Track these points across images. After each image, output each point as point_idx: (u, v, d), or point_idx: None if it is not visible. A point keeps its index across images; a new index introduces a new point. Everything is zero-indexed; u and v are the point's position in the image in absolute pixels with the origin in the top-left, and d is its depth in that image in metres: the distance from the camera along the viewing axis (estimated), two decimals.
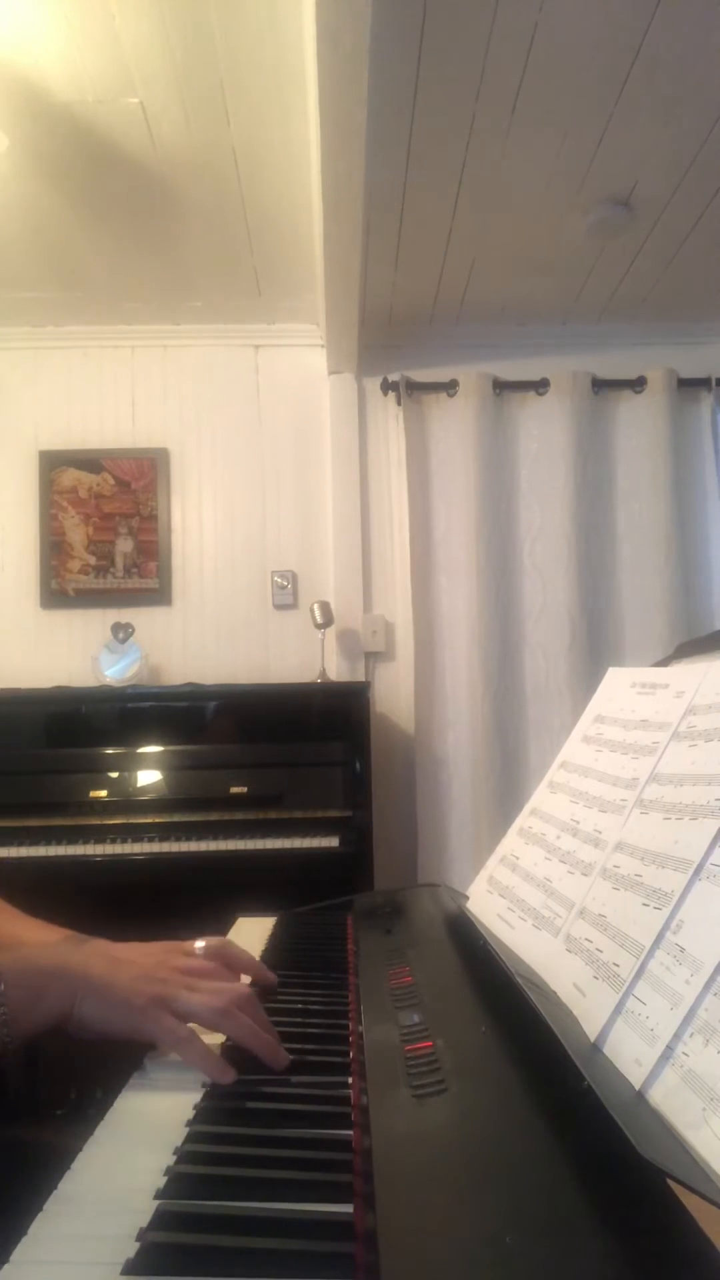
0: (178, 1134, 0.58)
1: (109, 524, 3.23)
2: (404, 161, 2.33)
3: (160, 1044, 0.69)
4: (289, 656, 3.18)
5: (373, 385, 3.29)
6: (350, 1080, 0.65)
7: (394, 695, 3.21)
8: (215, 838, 2.51)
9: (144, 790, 2.67)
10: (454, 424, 3.25)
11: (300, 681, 3.07)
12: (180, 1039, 0.67)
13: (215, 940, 0.85)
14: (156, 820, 2.59)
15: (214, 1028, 0.69)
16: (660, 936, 0.60)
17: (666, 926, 0.60)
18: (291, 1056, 0.69)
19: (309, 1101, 0.63)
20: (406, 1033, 0.71)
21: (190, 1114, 0.61)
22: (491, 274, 2.93)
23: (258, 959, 0.90)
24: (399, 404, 3.23)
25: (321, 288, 2.73)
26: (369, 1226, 0.46)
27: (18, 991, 0.68)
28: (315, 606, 3.03)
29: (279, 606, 3.23)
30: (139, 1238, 0.46)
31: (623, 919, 0.66)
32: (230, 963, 0.83)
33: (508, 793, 3.05)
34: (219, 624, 3.22)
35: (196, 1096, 0.64)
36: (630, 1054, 0.56)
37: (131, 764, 2.69)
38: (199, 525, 3.26)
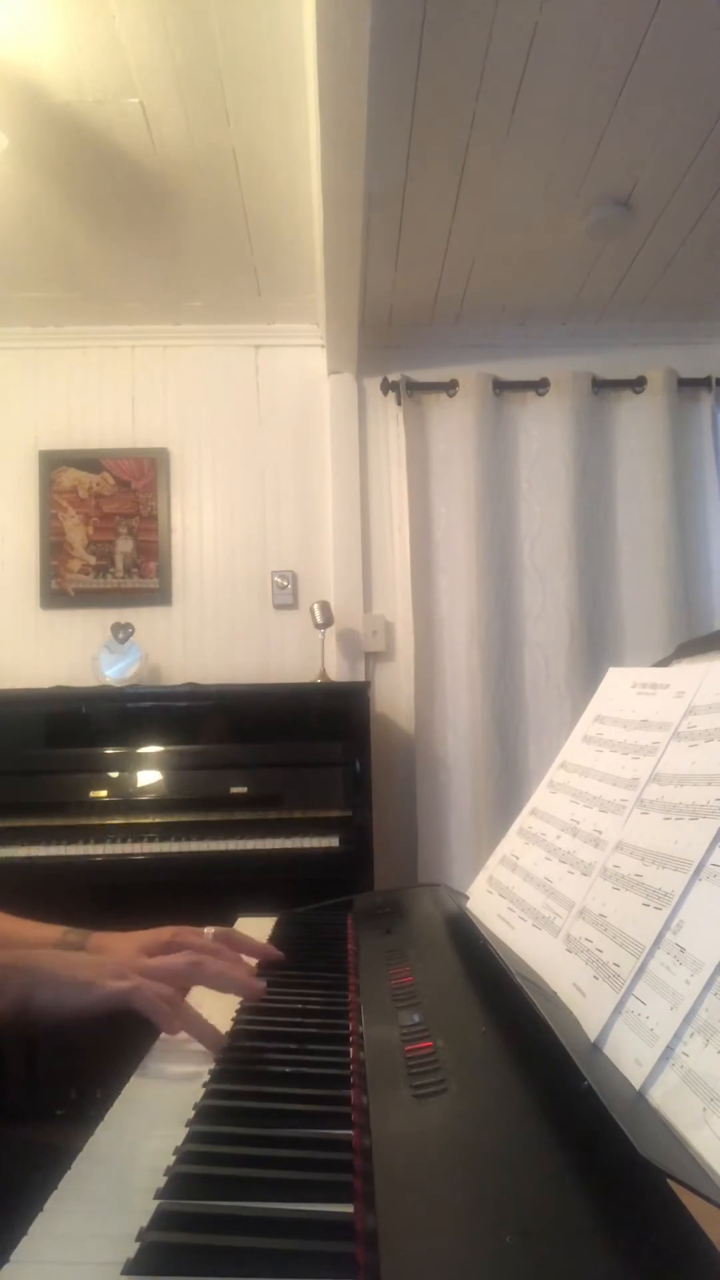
0: (179, 1133, 0.58)
1: (109, 524, 3.23)
2: (404, 161, 2.33)
3: (117, 1002, 0.72)
4: (289, 656, 3.18)
5: (373, 385, 3.29)
6: (350, 1080, 0.65)
7: (394, 695, 3.21)
8: (215, 838, 2.51)
9: (144, 790, 2.67)
10: (454, 424, 3.25)
11: (300, 681, 3.06)
12: (131, 988, 0.71)
13: (223, 930, 0.89)
14: (157, 820, 2.59)
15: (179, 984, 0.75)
16: (660, 936, 0.60)
17: (667, 926, 0.60)
18: (290, 1056, 0.69)
19: (309, 1101, 0.63)
20: (406, 1033, 0.71)
21: (190, 1113, 0.61)
22: (491, 274, 2.93)
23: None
24: (399, 404, 3.23)
25: (321, 288, 2.73)
26: (369, 1226, 0.46)
27: None
28: (315, 606, 3.03)
29: (279, 606, 3.22)
30: (139, 1238, 0.46)
31: (623, 919, 0.66)
32: (236, 946, 0.85)
33: (508, 793, 3.05)
34: (219, 624, 3.22)
35: (197, 1097, 0.64)
36: (630, 1054, 0.56)
37: (131, 764, 2.69)
38: (199, 525, 3.26)
